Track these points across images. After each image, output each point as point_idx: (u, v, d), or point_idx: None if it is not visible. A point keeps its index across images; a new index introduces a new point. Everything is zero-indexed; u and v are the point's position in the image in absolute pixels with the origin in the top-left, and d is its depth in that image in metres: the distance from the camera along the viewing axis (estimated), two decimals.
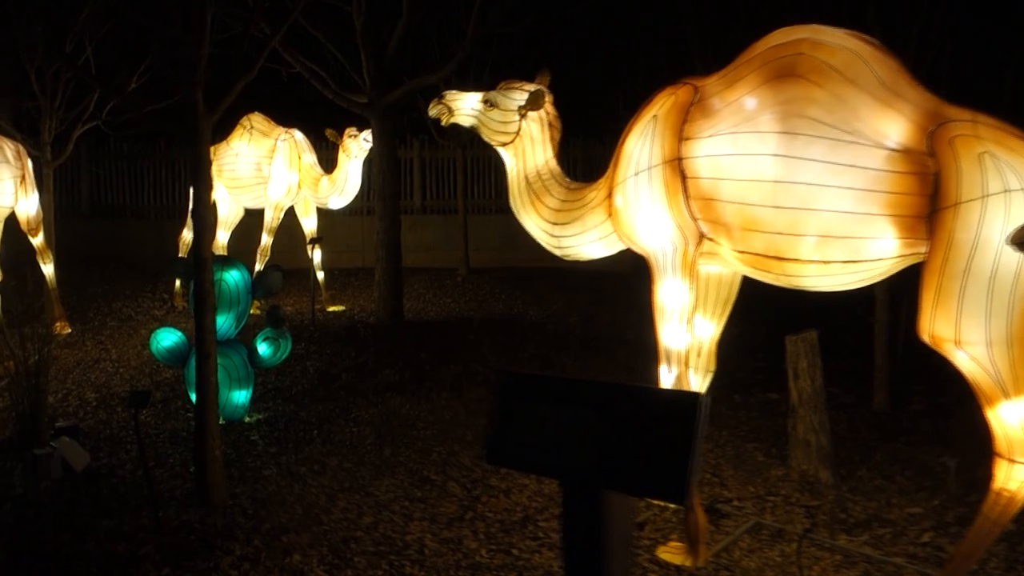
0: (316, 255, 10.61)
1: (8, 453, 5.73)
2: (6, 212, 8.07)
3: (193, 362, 6.19)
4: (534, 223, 4.81)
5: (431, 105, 4.92)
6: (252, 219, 11.21)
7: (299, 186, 10.48)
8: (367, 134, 9.75)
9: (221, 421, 6.07)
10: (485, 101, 4.76)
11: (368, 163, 10.12)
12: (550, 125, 4.77)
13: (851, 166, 3.49)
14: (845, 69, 3.59)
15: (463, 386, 7.10)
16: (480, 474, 5.25)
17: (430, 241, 14.23)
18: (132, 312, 10.79)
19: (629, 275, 13.87)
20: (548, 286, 12.10)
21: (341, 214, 11.53)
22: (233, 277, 6.22)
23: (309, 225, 10.97)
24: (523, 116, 4.70)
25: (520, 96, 4.71)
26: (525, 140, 4.74)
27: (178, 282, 10.99)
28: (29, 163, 8.48)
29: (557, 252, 4.82)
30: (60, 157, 9.62)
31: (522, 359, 8.00)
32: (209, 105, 4.61)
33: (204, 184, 4.64)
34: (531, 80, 4.87)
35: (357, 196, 10.33)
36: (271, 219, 10.55)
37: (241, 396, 6.31)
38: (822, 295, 3.99)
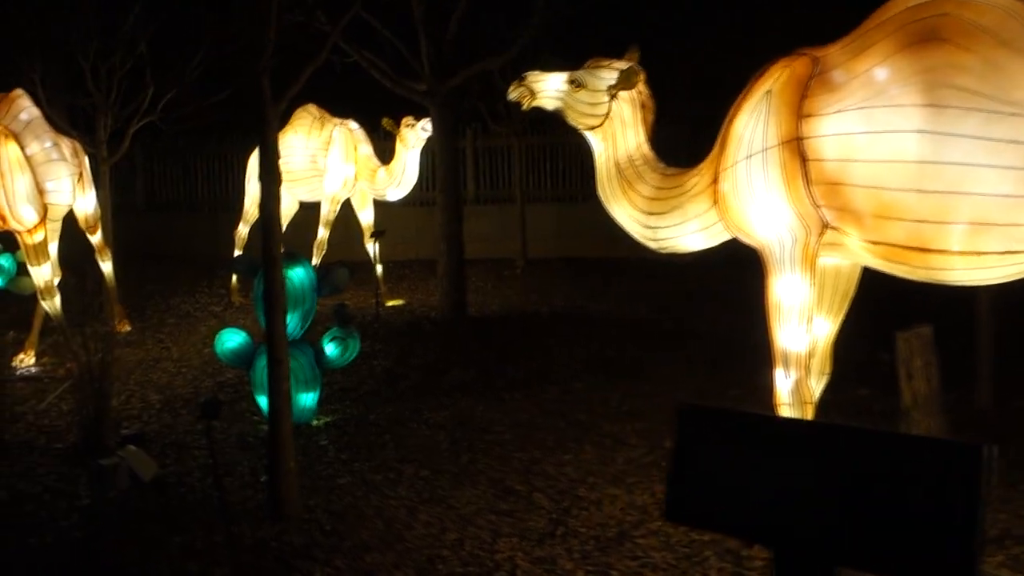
0: (374, 248, 10.35)
1: (72, 460, 5.55)
2: (64, 210, 7.93)
3: (259, 364, 5.96)
4: (625, 213, 4.42)
5: (511, 88, 4.55)
6: (307, 213, 10.99)
7: (356, 178, 10.21)
8: (425, 123, 9.43)
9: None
10: (571, 81, 4.38)
11: (426, 153, 9.80)
12: (643, 106, 4.38)
13: (1012, 142, 3.04)
14: (999, 30, 3.14)
15: (536, 386, 6.76)
16: (566, 484, 4.90)
17: (485, 232, 13.86)
18: (190, 308, 10.66)
19: (687, 264, 13.52)
20: (608, 277, 11.69)
21: (395, 205, 11.24)
22: (298, 275, 5.94)
23: (366, 218, 10.71)
24: (613, 97, 4.31)
25: (610, 75, 4.32)
26: (615, 123, 4.35)
27: (235, 278, 10.83)
28: (86, 160, 8.32)
29: (651, 244, 4.43)
30: (116, 154, 9.47)
31: (595, 356, 7.62)
32: (276, 93, 4.30)
33: (272, 177, 4.34)
34: (619, 57, 4.49)
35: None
36: (327, 212, 10.30)
37: (308, 399, 6.04)
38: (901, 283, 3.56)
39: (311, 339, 6.18)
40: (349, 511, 4.55)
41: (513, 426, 5.92)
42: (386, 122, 9.81)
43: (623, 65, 4.31)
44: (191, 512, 4.62)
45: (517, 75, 4.65)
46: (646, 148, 4.39)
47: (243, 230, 10.86)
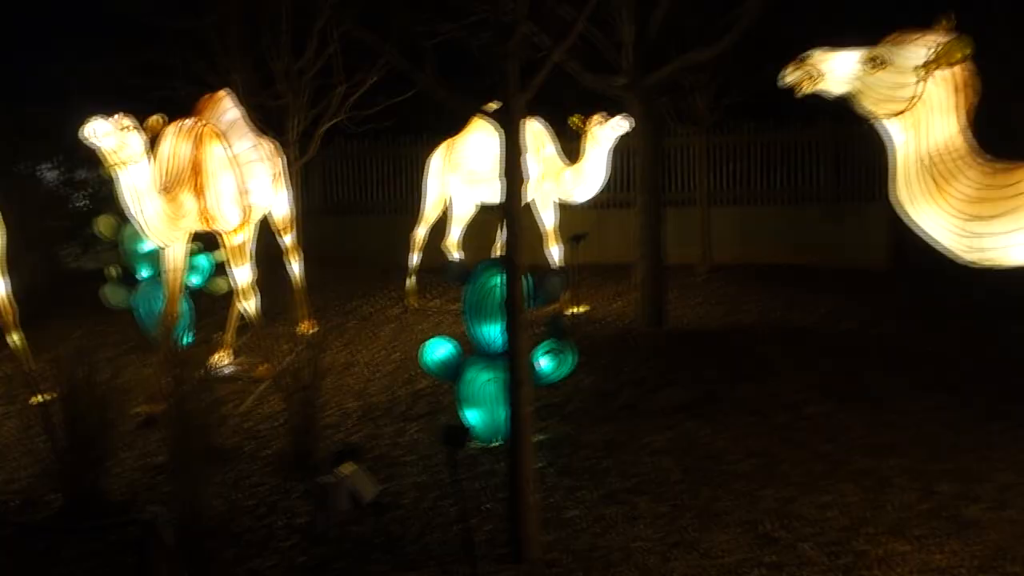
0: (556, 252, 9.87)
1: (283, 470, 5.34)
2: (263, 211, 7.88)
3: (467, 377, 5.57)
4: (935, 218, 3.66)
5: (787, 71, 3.89)
6: (488, 215, 10.66)
7: (541, 179, 9.76)
8: (618, 120, 8.86)
9: (497, 442, 5.41)
10: (870, 60, 3.67)
11: (618, 153, 9.22)
12: (964, 86, 3.61)
13: None
14: None
15: (763, 409, 6.04)
16: (836, 533, 4.18)
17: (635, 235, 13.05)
18: (370, 311, 10.55)
19: (883, 272, 12.36)
20: (797, 285, 10.74)
21: (575, 206, 10.75)
22: None
23: (548, 220, 10.23)
24: (925, 77, 3.57)
25: (920, 51, 3.59)
26: (926, 108, 3.61)
27: (411, 280, 10.65)
28: (282, 161, 8.26)
29: (967, 256, 3.66)
30: (305, 155, 9.45)
31: (820, 376, 6.80)
32: (522, 80, 3.83)
33: (516, 174, 3.89)
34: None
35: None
36: None
37: None
38: None
39: None
40: (593, 554, 4.02)
41: (748, 456, 5.24)
42: (574, 120, 9.31)
43: (941, 37, 3.57)
44: (418, 542, 4.24)
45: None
46: (965, 138, 3.62)
47: (421, 232, 10.65)
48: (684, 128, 12.16)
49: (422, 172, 11.27)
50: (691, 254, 12.31)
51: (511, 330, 3.89)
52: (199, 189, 6.61)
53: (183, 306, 7.57)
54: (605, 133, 9.04)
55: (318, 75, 9.58)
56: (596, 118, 9.15)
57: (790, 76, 3.88)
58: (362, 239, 14.44)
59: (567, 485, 4.90)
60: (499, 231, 10.06)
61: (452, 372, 5.64)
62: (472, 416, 5.55)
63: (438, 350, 5.60)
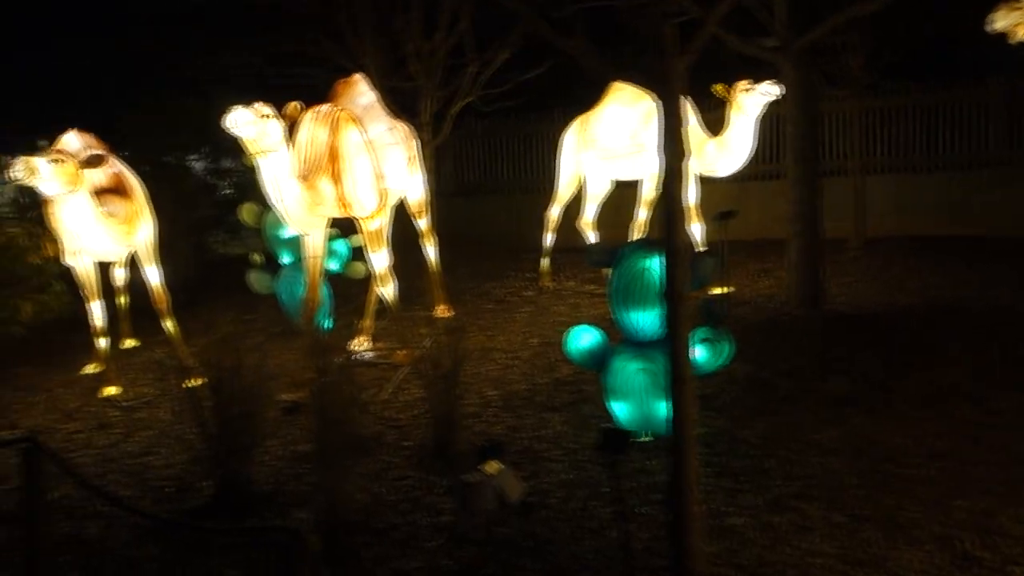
0: (698, 231, 9.35)
1: (425, 463, 5.20)
2: (399, 196, 7.81)
3: (614, 366, 5.25)
4: None
5: (997, 14, 3.32)
6: (624, 192, 10.26)
7: None
8: (766, 86, 8.23)
9: (647, 436, 5.07)
10: None
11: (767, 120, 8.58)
12: None
13: None
14: None
15: (944, 402, 5.42)
16: None
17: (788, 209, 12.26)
18: (503, 293, 10.37)
19: None
20: (964, 259, 9.77)
21: (714, 180, 10.15)
22: (662, 266, 5.09)
23: (689, 196, 9.71)
24: None
25: None
26: None
27: (545, 262, 10.41)
28: (416, 144, 8.15)
29: None
30: (438, 137, 9.33)
31: (1007, 364, 6.05)
32: (680, 44, 3.43)
33: (677, 147, 3.48)
34: None
35: None
36: (649, 191, 9.48)
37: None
38: None
39: None
40: (764, 571, 3.63)
41: (932, 457, 4.67)
42: (718, 87, 8.73)
43: None
44: (567, 548, 3.97)
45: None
46: None
47: (554, 211, 10.37)
48: (835, 92, 11.28)
49: (551, 150, 10.99)
50: (841, 228, 11.43)
51: (672, 320, 3.52)
52: (336, 175, 6.55)
53: (323, 292, 7.64)
54: (752, 100, 8.44)
55: (449, 55, 9.42)
56: (742, 85, 8.55)
57: (1001, 20, 3.30)
58: (491, 220, 14.32)
59: (726, 487, 4.50)
60: (637, 209, 9.65)
61: (598, 361, 5.33)
62: (619, 409, 5.23)
63: (583, 338, 5.29)
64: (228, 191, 13.10)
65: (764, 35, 7.67)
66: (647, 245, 5.15)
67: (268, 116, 5.74)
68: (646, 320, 5.08)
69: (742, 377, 6.14)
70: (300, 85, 9.00)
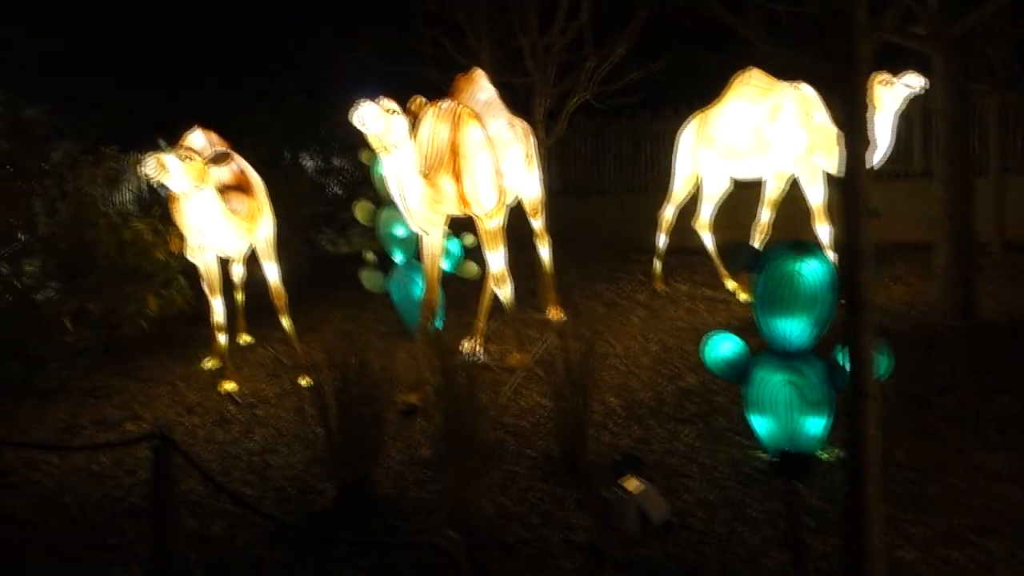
0: (826, 232, 8.80)
1: (552, 474, 4.96)
2: (516, 194, 7.61)
3: (757, 378, 4.88)
4: None
5: None
6: (744, 192, 9.80)
7: (808, 151, 8.74)
8: (909, 78, 7.65)
9: (828, 455, 4.69)
10: None
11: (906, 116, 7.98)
12: None
13: None
14: None
15: None
16: None
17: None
18: (615, 296, 10.06)
19: None
20: None
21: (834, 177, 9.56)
22: (813, 270, 4.71)
23: (816, 195, 9.16)
24: None
25: None
26: None
27: (658, 264, 10.03)
28: (533, 141, 7.94)
29: None
30: (552, 135, 9.09)
31: None
32: (869, 21, 3.07)
33: (860, 137, 3.12)
34: None
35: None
36: (773, 190, 8.99)
37: (816, 425, 4.80)
38: None
39: (823, 351, 4.92)
40: None
41: None
42: None
43: None
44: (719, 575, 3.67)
45: None
46: None
47: (669, 212, 9.98)
48: (975, 86, 10.48)
49: (662, 148, 10.68)
50: (982, 230, 10.65)
51: (854, 329, 3.17)
52: (457, 172, 6.39)
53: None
54: (892, 94, 7.85)
55: (565, 50, 9.18)
56: (880, 77, 7.98)
57: None
58: (598, 220, 14.01)
59: (890, 515, 4.07)
60: (760, 209, 9.19)
61: (739, 372, 4.97)
62: (760, 424, 4.87)
63: (723, 346, 4.95)
64: (337, 189, 13.24)
65: (912, 22, 7.09)
66: (796, 247, 4.76)
67: (394, 111, 5.62)
68: (793, 328, 4.71)
69: (893, 393, 5.65)
70: (411, 82, 8.92)
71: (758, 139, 8.87)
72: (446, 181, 6.36)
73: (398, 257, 8.97)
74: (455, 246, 8.94)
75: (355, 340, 5.29)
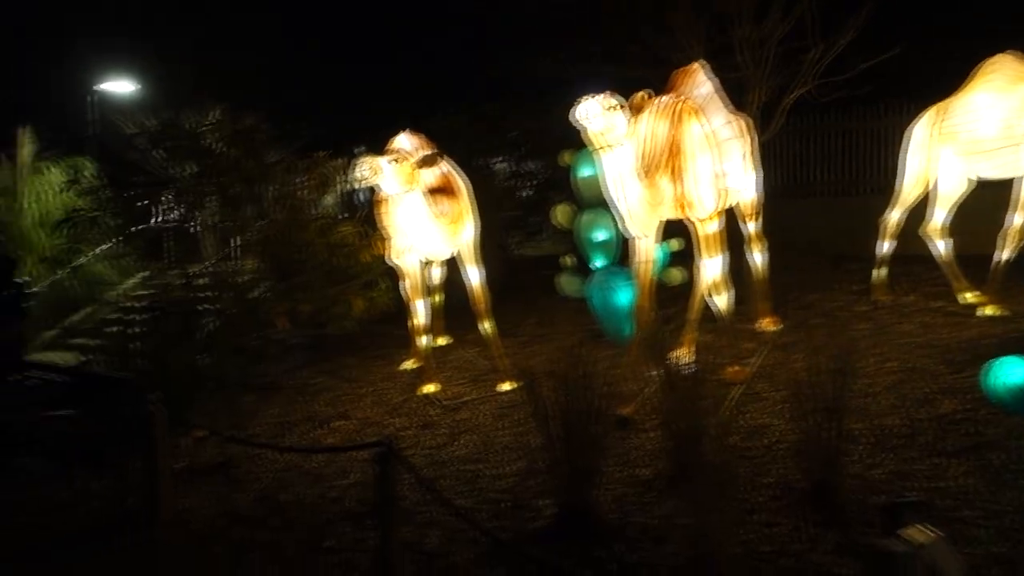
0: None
1: (798, 509, 4.41)
2: (736, 195, 7.06)
3: None
4: None
5: None
6: (988, 192, 8.67)
7: None
8: None
9: None
10: None
11: None
12: None
13: None
14: None
15: None
16: None
17: None
18: (831, 307, 9.21)
19: None
20: None
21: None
22: None
23: None
24: None
25: None
26: None
27: (880, 272, 9.11)
28: (753, 139, 7.36)
29: None
30: (768, 131, 8.44)
31: None
32: None
33: None
34: None
35: None
36: None
37: None
38: None
39: None
40: None
41: None
42: None
43: None
44: None
45: None
46: None
47: (894, 216, 9.01)
48: None
49: (880, 147, 9.69)
50: None
51: None
52: (677, 172, 5.96)
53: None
54: None
55: (781, 41, 8.51)
56: None
57: None
58: (801, 225, 13.00)
59: None
60: (1011, 214, 8.10)
61: None
62: None
63: (1015, 373, 4.21)
64: (528, 193, 13.12)
65: None
66: None
67: (616, 107, 5.28)
68: None
69: None
70: (616, 83, 8.55)
71: (1007, 134, 7.80)
72: (665, 182, 5.94)
73: (598, 262, 8.64)
74: (660, 251, 8.49)
75: (573, 349, 4.98)
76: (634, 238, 6.03)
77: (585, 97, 5.16)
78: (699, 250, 6.47)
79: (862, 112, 12.17)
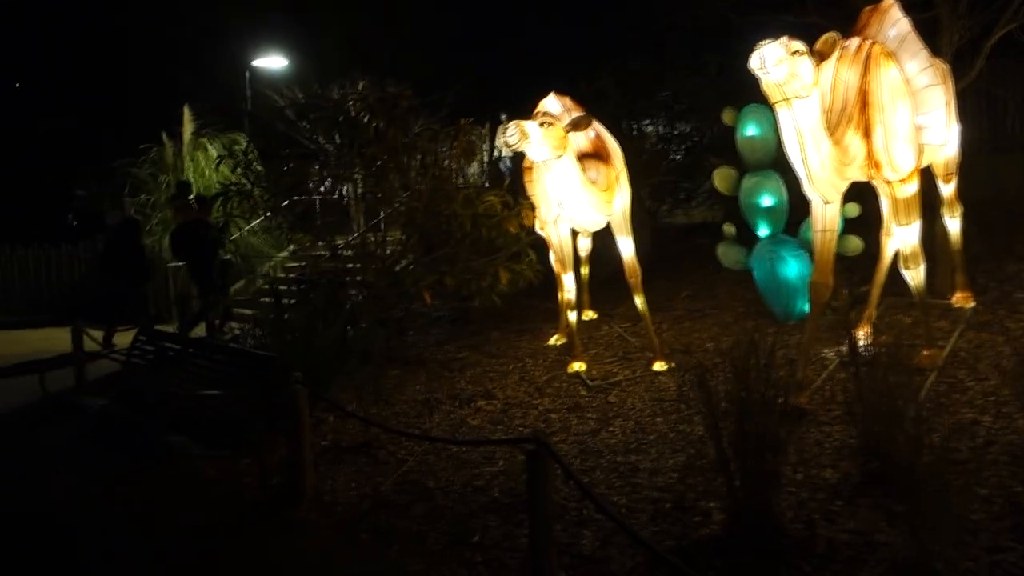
0: None
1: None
2: (936, 153, 6.13)
3: None
4: None
5: None
6: None
7: None
8: None
9: None
10: None
11: None
12: None
13: None
14: None
15: None
16: None
17: None
18: None
19: None
20: None
21: None
22: None
23: None
24: None
25: None
26: None
27: None
28: (953, 88, 6.36)
29: None
30: (965, 78, 7.31)
31: None
32: None
33: None
34: None
35: None
36: None
37: None
38: None
39: None
40: None
41: None
42: None
43: None
44: None
45: None
46: None
47: None
48: None
49: None
50: None
51: None
52: (866, 126, 5.14)
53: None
54: None
55: None
56: None
57: None
58: (994, 182, 11.48)
59: None
60: None
61: None
62: None
63: None
64: (679, 156, 12.33)
65: None
66: None
67: (801, 53, 4.54)
68: None
69: None
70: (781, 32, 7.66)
71: None
72: (853, 139, 5.14)
73: (763, 230, 7.87)
74: None
75: (747, 330, 4.37)
76: (816, 203, 5.27)
77: (764, 41, 4.45)
78: (892, 215, 5.61)
79: None
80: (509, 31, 18.12)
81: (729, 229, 8.13)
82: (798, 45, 4.55)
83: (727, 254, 8.18)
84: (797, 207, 7.96)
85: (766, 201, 7.74)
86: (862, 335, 6.62)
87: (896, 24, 5.60)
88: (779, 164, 8.13)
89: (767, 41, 4.42)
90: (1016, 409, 4.92)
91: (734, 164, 8.13)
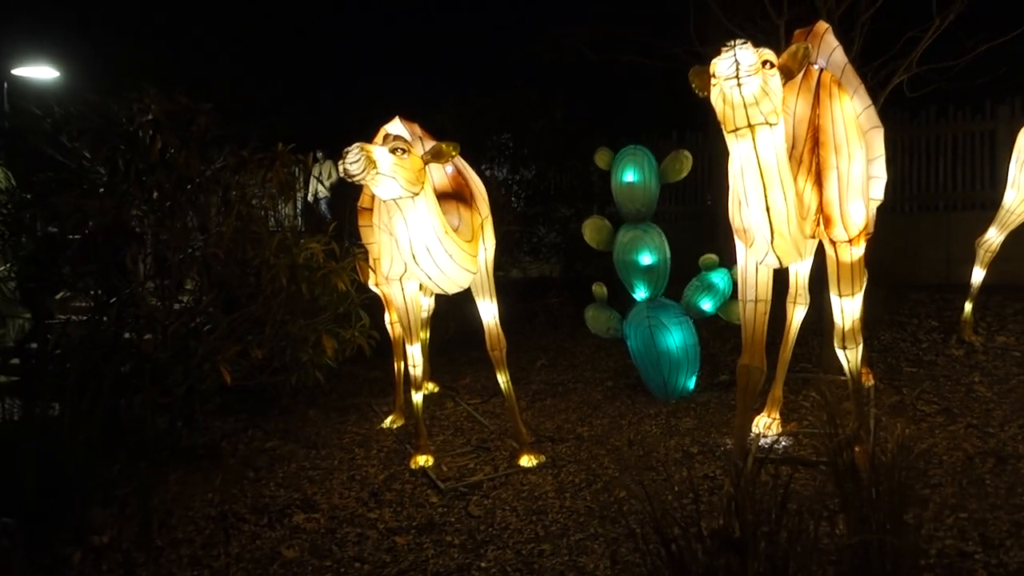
0: None
1: None
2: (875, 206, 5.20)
3: None
4: None
5: None
6: None
7: None
8: None
9: None
10: None
11: None
12: None
13: None
14: None
15: None
16: None
17: None
18: (915, 350, 7.39)
19: None
20: None
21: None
22: None
23: None
24: None
25: None
26: None
27: (969, 307, 7.42)
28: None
29: None
30: None
31: None
32: None
33: None
34: None
35: None
36: None
37: None
38: None
39: None
40: None
41: None
42: None
43: None
44: None
45: None
46: None
47: (993, 237, 7.29)
48: None
49: (975, 156, 7.99)
50: None
51: None
52: (818, 173, 4.04)
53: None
54: None
55: (874, 17, 6.72)
56: None
57: None
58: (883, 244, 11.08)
59: None
60: None
61: None
62: None
63: None
64: (520, 205, 11.17)
65: None
66: None
67: (773, 65, 3.33)
68: None
69: None
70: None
71: None
72: (805, 185, 4.01)
73: (640, 292, 6.72)
74: (721, 278, 6.59)
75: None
76: (748, 266, 4.07)
77: (736, 41, 3.18)
78: (834, 282, 4.52)
79: (957, 114, 10.25)
80: (342, 56, 16.43)
81: (600, 290, 6.91)
82: (769, 54, 3.34)
83: (596, 319, 6.95)
84: (681, 266, 6.92)
85: (645, 259, 6.61)
86: (771, 422, 5.56)
87: (832, 52, 4.62)
88: (660, 216, 7.07)
89: (739, 41, 3.16)
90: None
91: (591, 213, 6.97)
